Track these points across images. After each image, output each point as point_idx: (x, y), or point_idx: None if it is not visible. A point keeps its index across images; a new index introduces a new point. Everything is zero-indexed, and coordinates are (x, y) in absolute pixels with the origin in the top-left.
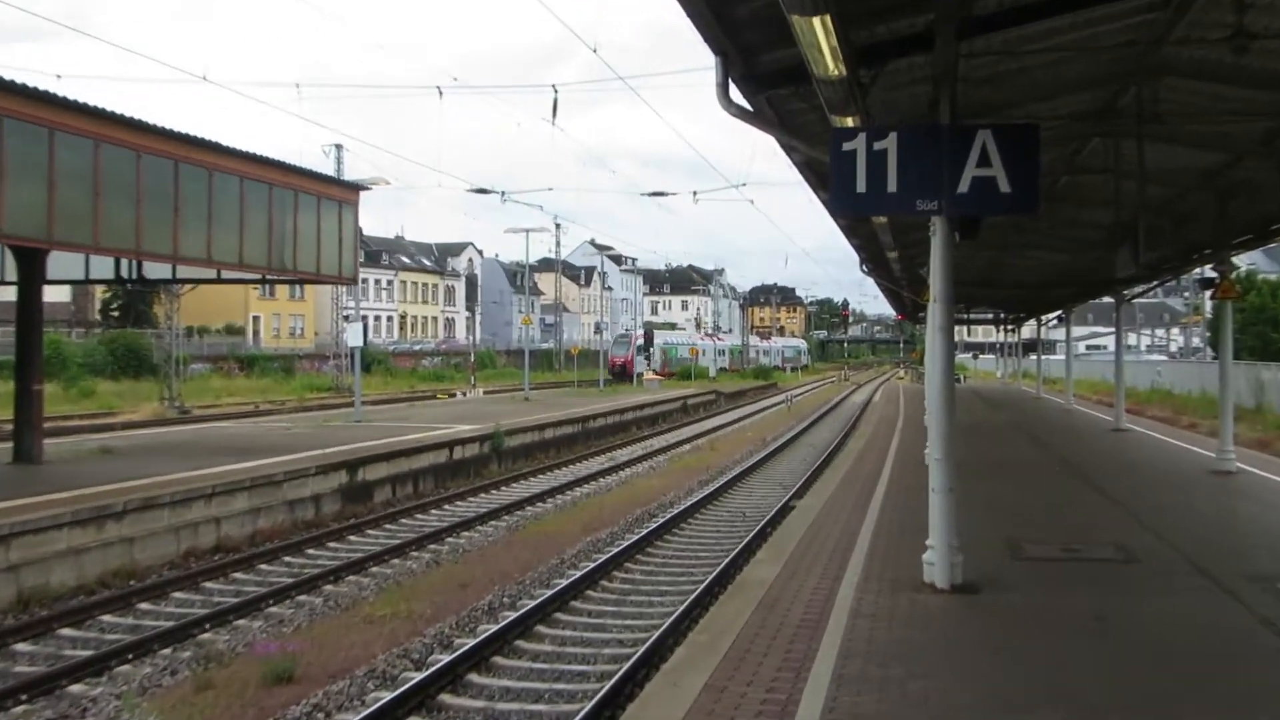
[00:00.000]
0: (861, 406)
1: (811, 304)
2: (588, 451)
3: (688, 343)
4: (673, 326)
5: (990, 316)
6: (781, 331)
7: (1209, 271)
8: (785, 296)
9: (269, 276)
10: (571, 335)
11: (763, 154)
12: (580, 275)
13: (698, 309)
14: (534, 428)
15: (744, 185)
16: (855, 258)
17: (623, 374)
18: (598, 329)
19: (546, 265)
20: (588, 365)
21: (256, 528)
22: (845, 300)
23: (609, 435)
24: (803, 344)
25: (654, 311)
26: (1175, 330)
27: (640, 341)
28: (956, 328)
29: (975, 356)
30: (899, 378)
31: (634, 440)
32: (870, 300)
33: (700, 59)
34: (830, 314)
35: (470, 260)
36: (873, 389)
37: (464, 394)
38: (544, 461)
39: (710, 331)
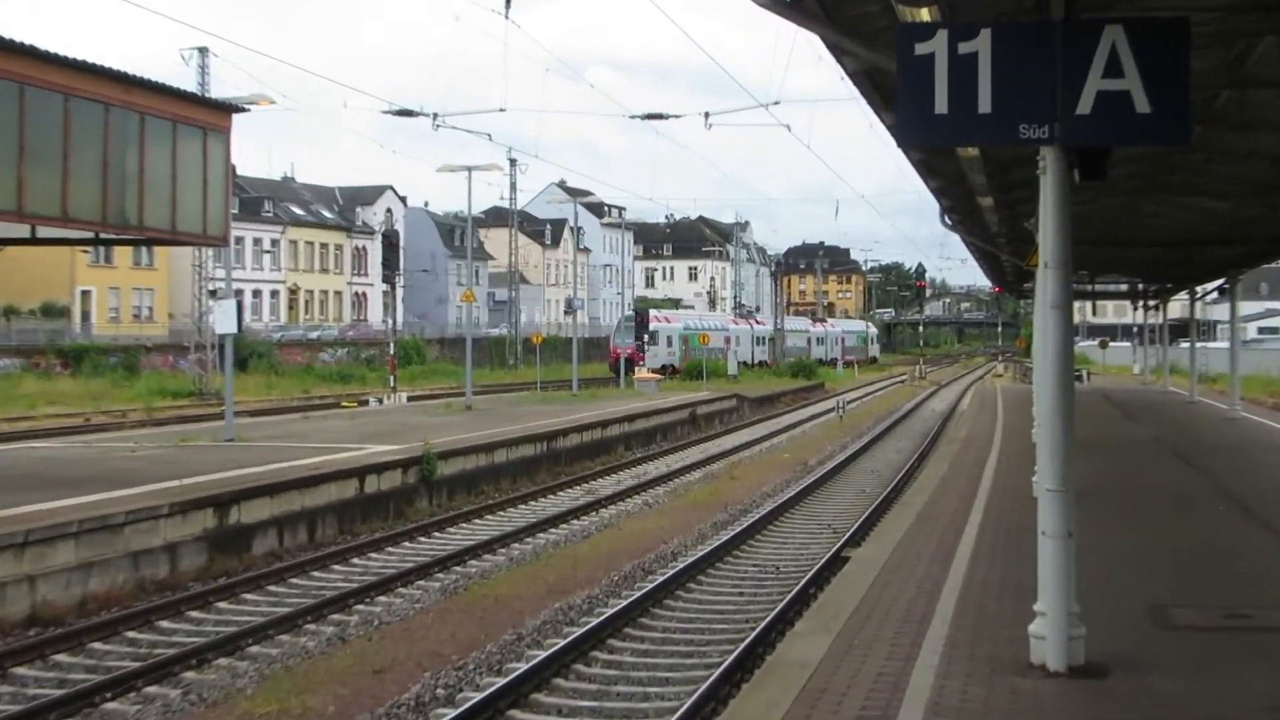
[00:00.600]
0: (943, 416)
1: (873, 271)
2: (556, 482)
3: (718, 328)
4: (676, 304)
5: (1124, 288)
6: (830, 310)
7: None
8: (835, 260)
9: (104, 235)
10: (533, 316)
11: (802, 60)
12: (545, 232)
13: (712, 279)
14: (480, 448)
15: (776, 104)
16: (934, 206)
17: (629, 369)
18: (569, 307)
19: (497, 218)
20: (556, 358)
21: (88, 590)
22: (920, 266)
23: (586, 459)
24: (869, 328)
25: (649, 283)
26: None
27: (654, 327)
28: (1077, 304)
29: (1103, 344)
30: (996, 375)
31: (621, 465)
32: (955, 266)
33: None
34: (899, 285)
35: (389, 211)
36: (959, 391)
37: (381, 400)
38: (494, 496)
39: (745, 312)
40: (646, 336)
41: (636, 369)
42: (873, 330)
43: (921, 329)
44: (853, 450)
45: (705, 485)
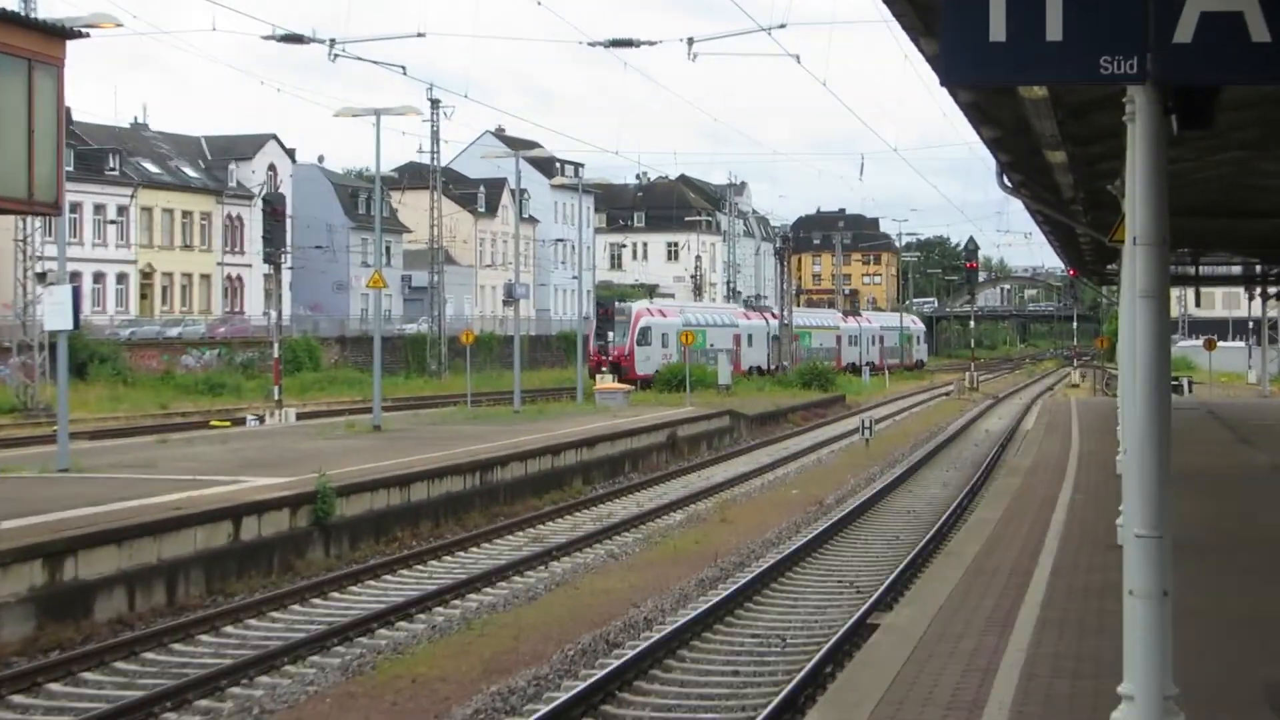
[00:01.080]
0: (1000, 440)
1: (909, 248)
2: (493, 526)
3: (725, 324)
4: (651, 291)
5: (1236, 271)
6: (852, 299)
7: None
8: (860, 234)
9: None
10: (463, 308)
11: None
12: (479, 196)
13: (698, 258)
14: (393, 482)
15: (781, 28)
16: (988, 162)
17: (621, 376)
18: (510, 295)
19: (415, 178)
20: (494, 363)
21: None
22: (970, 242)
23: (532, 495)
24: (913, 323)
25: (616, 263)
26: None
27: (645, 322)
28: (1176, 292)
29: (1210, 345)
30: (1070, 385)
31: (579, 504)
32: (1017, 242)
33: None
34: (943, 266)
35: (273, 169)
36: (1021, 406)
37: (263, 419)
38: (411, 544)
39: (755, 304)
40: (636, 334)
41: (598, 377)
42: (918, 326)
43: (973, 324)
44: (882, 485)
45: (689, 531)
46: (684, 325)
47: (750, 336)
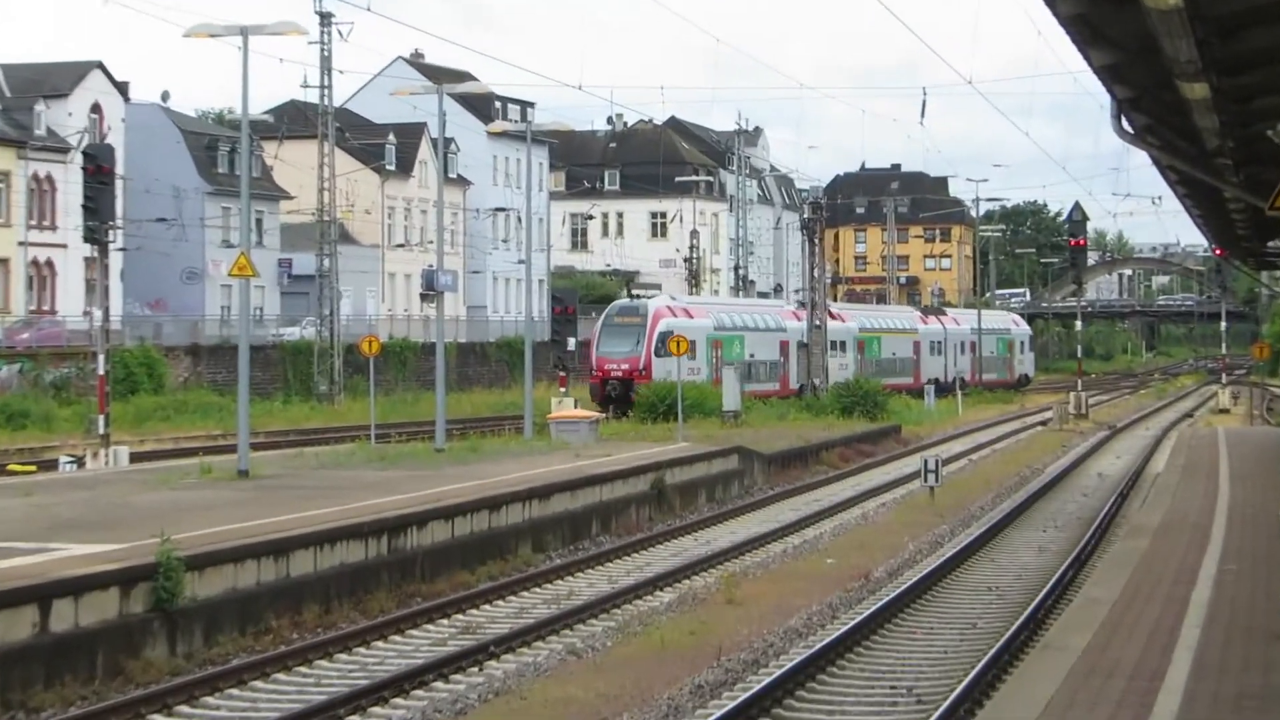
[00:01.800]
0: (1119, 486)
1: (990, 219)
2: (408, 611)
3: (771, 327)
4: (629, 282)
5: None
6: (911, 289)
7: None
8: (921, 198)
9: None
10: (364, 304)
11: None
12: (388, 148)
13: (693, 233)
14: (264, 550)
15: None
16: (1102, 99)
17: (624, 399)
18: (431, 286)
19: (299, 121)
20: (410, 382)
21: None
22: (1076, 210)
23: (461, 567)
24: (1020, 326)
25: (579, 240)
26: None
27: (665, 325)
28: None
29: None
30: (1218, 411)
31: (527, 579)
32: (1142, 211)
33: None
34: (1038, 242)
35: (97, 111)
36: (1148, 440)
37: (82, 461)
38: (290, 637)
39: (810, 300)
40: (655, 341)
41: (557, 401)
42: (1022, 328)
43: (1079, 325)
44: (953, 551)
45: (681, 616)
46: (715, 330)
47: (798, 342)
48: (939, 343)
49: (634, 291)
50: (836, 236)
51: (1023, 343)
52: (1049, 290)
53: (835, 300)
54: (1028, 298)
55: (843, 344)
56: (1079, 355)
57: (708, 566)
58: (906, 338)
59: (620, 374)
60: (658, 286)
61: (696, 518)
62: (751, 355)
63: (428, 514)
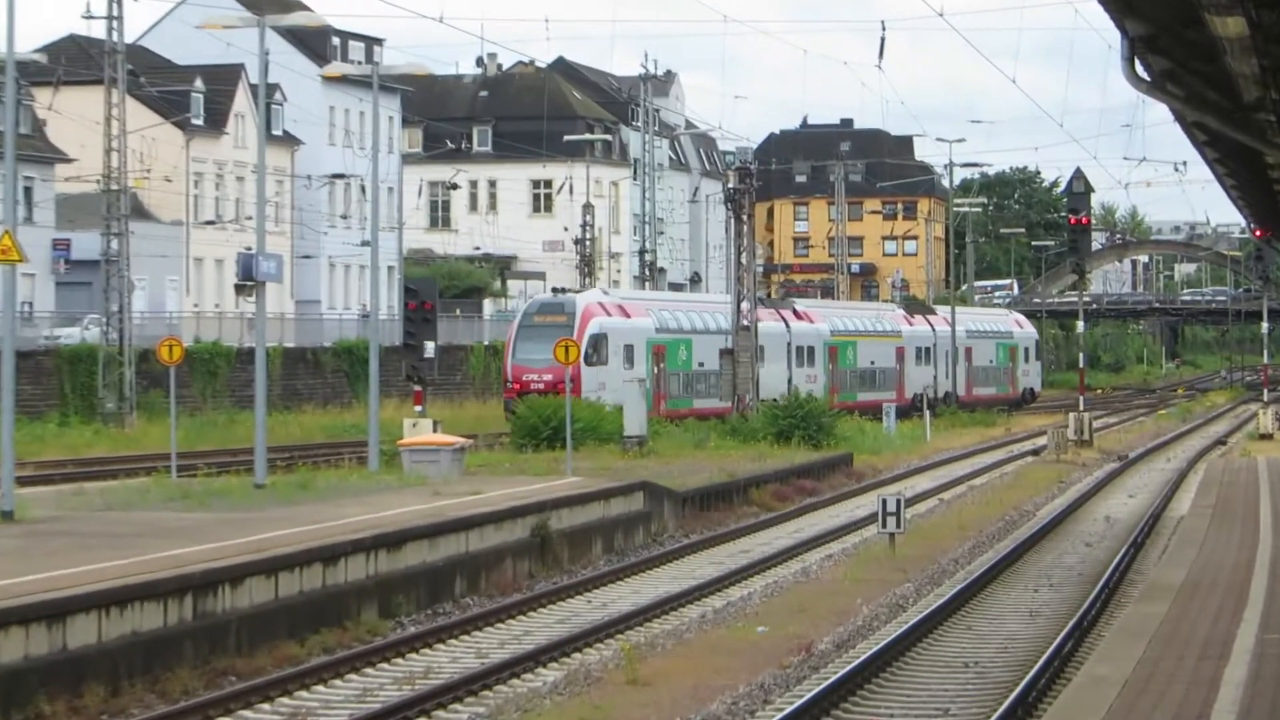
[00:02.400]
0: (1132, 533)
1: (967, 190)
2: (217, 695)
3: (721, 328)
4: (505, 268)
5: None
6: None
7: None
8: (879, 166)
9: None
10: (163, 297)
11: None
12: (194, 97)
13: (587, 206)
14: (33, 614)
15: None
16: (1110, 37)
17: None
18: (249, 275)
19: (80, 61)
20: (221, 397)
21: None
22: (1079, 180)
23: (285, 636)
24: (1024, 328)
25: (439, 218)
26: None
27: (598, 326)
28: None
29: None
30: (1259, 437)
31: (372, 654)
32: (1162, 182)
33: None
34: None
35: None
36: (1170, 472)
37: None
38: None
39: (777, 302)
40: (586, 345)
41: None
42: (1026, 331)
43: (1081, 326)
44: (919, 616)
45: (571, 701)
46: (659, 331)
47: (763, 350)
48: (927, 349)
49: (558, 286)
50: (771, 212)
51: (1028, 349)
52: (1043, 282)
53: (770, 295)
54: (1016, 292)
55: (810, 351)
56: (1081, 365)
57: (604, 636)
58: (888, 343)
59: (542, 387)
60: (541, 276)
61: (590, 573)
62: (700, 364)
63: (244, 568)
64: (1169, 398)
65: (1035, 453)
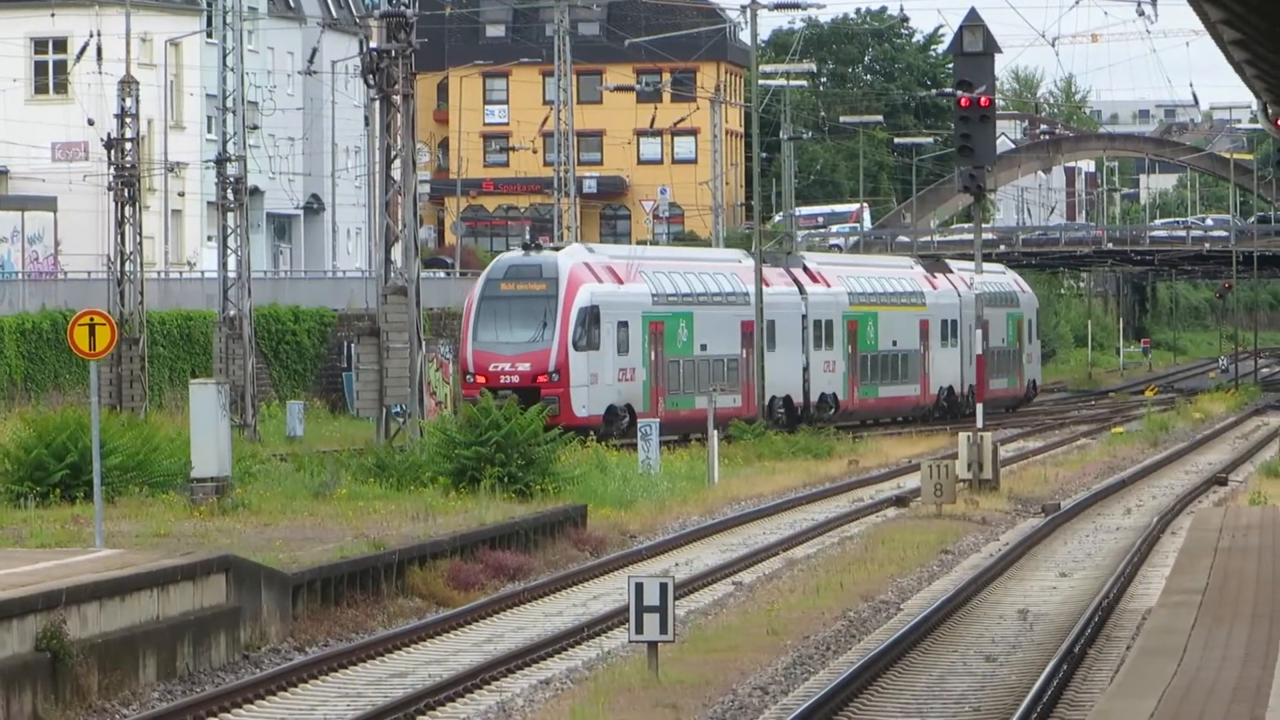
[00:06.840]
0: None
1: (786, 50)
2: None
3: (728, 292)
4: None
5: None
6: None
7: None
8: (624, 11)
9: None
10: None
11: None
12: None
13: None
14: None
15: None
16: None
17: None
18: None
19: None
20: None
21: None
22: (974, 25)
23: None
24: (1024, 291)
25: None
26: None
27: (592, 297)
28: None
29: None
30: (1270, 473)
31: None
32: (1112, 37)
33: None
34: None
35: None
36: (1129, 533)
37: None
38: None
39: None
40: (575, 323)
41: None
42: (1028, 296)
43: (977, 282)
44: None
45: None
46: (655, 301)
47: (772, 327)
48: (952, 321)
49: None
50: (444, 89)
51: (1030, 321)
52: (913, 208)
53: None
54: (867, 225)
55: (827, 326)
56: (977, 351)
57: None
58: (911, 314)
59: (515, 380)
60: (50, 204)
61: (139, 714)
62: (703, 346)
63: None
64: (1129, 404)
65: (901, 501)
